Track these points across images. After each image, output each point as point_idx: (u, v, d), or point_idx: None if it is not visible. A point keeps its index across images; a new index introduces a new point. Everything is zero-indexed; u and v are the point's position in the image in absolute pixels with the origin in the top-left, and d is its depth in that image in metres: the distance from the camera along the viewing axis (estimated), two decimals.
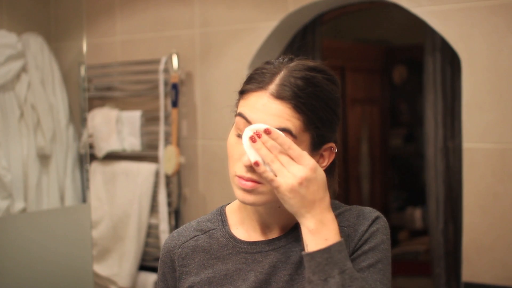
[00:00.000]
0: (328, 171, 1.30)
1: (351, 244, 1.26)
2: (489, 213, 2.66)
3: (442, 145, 3.11)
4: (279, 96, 1.20)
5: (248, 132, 1.19)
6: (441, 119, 3.10)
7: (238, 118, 1.24)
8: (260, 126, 1.18)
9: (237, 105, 1.28)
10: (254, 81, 1.23)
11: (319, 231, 1.17)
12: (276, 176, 1.17)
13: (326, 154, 1.27)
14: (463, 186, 2.73)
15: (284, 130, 1.19)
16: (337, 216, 1.26)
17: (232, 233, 1.35)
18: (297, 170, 1.16)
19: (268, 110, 1.20)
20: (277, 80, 1.21)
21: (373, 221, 1.28)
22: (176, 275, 1.36)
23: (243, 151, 1.20)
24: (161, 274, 1.40)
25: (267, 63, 1.27)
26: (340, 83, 1.30)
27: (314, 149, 1.24)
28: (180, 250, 1.37)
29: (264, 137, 1.17)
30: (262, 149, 1.17)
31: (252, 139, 1.18)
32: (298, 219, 1.19)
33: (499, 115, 2.63)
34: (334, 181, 1.36)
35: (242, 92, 1.26)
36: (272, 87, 1.21)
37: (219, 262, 1.32)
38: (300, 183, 1.15)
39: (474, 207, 2.70)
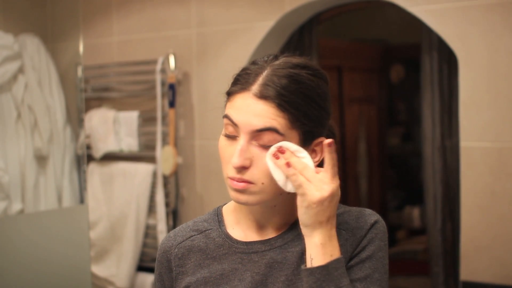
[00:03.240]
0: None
1: (349, 249, 1.26)
2: (487, 212, 2.66)
3: (440, 144, 3.11)
4: (262, 96, 1.20)
5: (272, 149, 1.20)
6: (439, 118, 3.10)
7: (225, 120, 1.25)
8: (284, 144, 1.20)
9: (225, 107, 1.28)
10: (239, 82, 1.25)
11: (326, 246, 1.19)
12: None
13: (318, 149, 1.28)
14: (461, 185, 2.73)
15: (270, 129, 1.20)
16: (337, 218, 1.26)
17: (228, 233, 1.35)
18: (327, 185, 1.18)
19: (252, 111, 1.20)
20: (260, 80, 1.22)
21: (372, 225, 1.28)
22: (173, 275, 1.36)
23: (233, 152, 1.22)
24: (158, 274, 1.40)
25: (253, 63, 1.28)
26: (327, 77, 1.30)
27: (304, 145, 1.25)
28: (176, 250, 1.36)
29: (288, 153, 1.19)
30: (284, 165, 1.20)
31: (275, 156, 1.20)
32: (308, 231, 1.20)
33: (497, 113, 2.63)
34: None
35: (229, 94, 1.27)
36: (255, 87, 1.21)
37: (215, 262, 1.32)
38: (330, 196, 1.18)
39: (472, 206, 2.70)
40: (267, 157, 1.21)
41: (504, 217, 2.63)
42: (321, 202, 1.17)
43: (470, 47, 2.68)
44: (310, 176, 1.19)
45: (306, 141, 1.25)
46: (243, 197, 1.23)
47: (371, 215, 1.31)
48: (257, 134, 1.21)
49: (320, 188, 1.17)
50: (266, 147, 1.21)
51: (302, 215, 1.19)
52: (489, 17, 2.63)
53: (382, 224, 1.30)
